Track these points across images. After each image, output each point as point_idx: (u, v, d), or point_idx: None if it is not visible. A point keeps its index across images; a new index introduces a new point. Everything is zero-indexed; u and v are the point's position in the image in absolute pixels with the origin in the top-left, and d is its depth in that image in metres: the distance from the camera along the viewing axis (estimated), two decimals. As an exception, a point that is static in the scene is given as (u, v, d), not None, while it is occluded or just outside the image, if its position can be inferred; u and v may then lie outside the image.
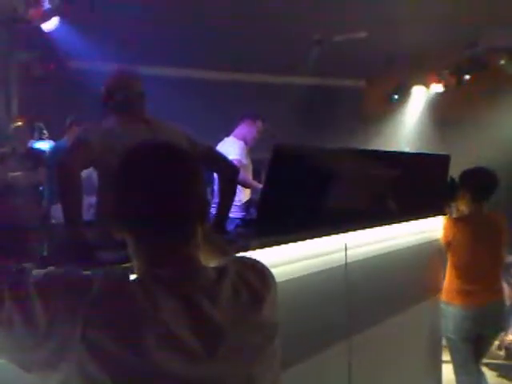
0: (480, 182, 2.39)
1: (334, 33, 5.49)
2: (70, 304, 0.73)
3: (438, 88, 5.96)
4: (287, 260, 1.58)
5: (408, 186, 2.12)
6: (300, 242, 1.62)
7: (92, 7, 3.81)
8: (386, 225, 2.00)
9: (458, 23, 4.75)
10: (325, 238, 1.73)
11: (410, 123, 6.46)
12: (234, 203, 3.32)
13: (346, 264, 1.80)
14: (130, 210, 0.82)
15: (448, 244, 2.40)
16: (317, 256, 1.70)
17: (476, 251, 2.35)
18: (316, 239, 1.68)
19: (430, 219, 2.34)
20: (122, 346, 0.72)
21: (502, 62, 5.11)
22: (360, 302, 1.86)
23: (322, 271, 1.70)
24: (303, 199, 1.82)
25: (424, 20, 4.81)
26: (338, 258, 1.78)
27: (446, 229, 2.40)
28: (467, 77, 5.51)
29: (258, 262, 0.94)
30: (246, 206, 3.37)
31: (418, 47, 5.31)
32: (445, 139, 5.85)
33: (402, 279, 2.11)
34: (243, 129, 3.64)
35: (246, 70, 6.19)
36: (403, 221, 2.12)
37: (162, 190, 0.81)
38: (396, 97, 6.42)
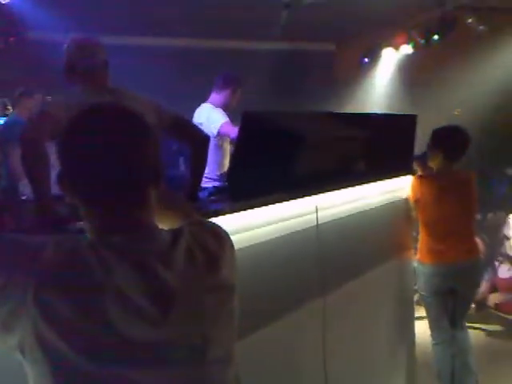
0: (452, 140, 2.43)
1: (302, -4, 5.42)
2: (22, 269, 0.73)
3: (407, 49, 5.97)
4: (259, 223, 1.60)
5: (377, 147, 2.15)
6: (271, 206, 1.64)
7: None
8: (355, 186, 2.04)
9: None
10: (296, 201, 1.75)
11: (380, 86, 6.49)
12: (208, 174, 3.33)
13: (317, 225, 1.84)
14: (77, 176, 0.81)
15: (416, 202, 2.47)
16: (288, 218, 1.73)
17: (444, 208, 2.42)
18: (287, 202, 1.70)
19: (399, 179, 2.39)
20: (75, 311, 0.71)
21: (470, 20, 5.12)
22: (332, 261, 1.91)
23: (294, 233, 1.74)
24: (273, 164, 1.82)
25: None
26: (309, 219, 1.82)
27: (413, 187, 2.45)
28: (436, 37, 5.51)
29: (215, 224, 0.94)
30: (222, 177, 3.35)
31: (387, 8, 5.29)
32: (415, 101, 5.90)
33: (371, 238, 2.17)
34: (217, 95, 3.46)
35: (215, 36, 6.08)
36: (372, 181, 2.16)
37: (108, 154, 0.79)
38: (366, 60, 6.41)
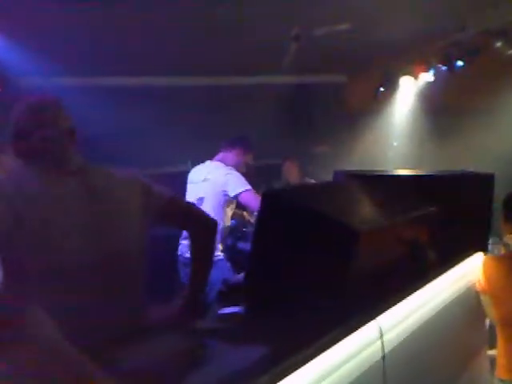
0: None
1: (314, 26, 5.00)
2: None
3: (427, 77, 5.51)
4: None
5: (447, 221, 1.63)
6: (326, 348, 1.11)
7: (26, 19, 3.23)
8: (424, 286, 1.51)
9: (443, 10, 4.34)
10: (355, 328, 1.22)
11: (399, 116, 6.02)
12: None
13: (383, 357, 1.30)
14: None
15: (484, 292, 1.90)
16: (348, 359, 1.19)
17: None
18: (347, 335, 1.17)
19: (469, 259, 1.85)
20: None
21: (498, 44, 4.66)
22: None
23: (357, 380, 1.20)
24: (308, 266, 1.31)
25: (405, 9, 4.39)
26: (373, 351, 1.28)
27: (484, 271, 1.89)
28: (460, 63, 5.05)
29: None
30: (225, 234, 3.03)
31: (401, 37, 4.88)
32: (439, 131, 5.44)
33: (441, 355, 1.61)
34: (236, 157, 3.24)
35: (219, 73, 5.66)
36: (443, 272, 1.63)
37: None
38: (382, 89, 5.96)
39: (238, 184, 3.07)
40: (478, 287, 1.91)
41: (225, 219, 3.14)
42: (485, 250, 1.82)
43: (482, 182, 1.80)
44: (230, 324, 1.40)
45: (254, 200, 3.02)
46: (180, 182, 3.26)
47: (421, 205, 1.59)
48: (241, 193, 3.04)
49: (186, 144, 4.71)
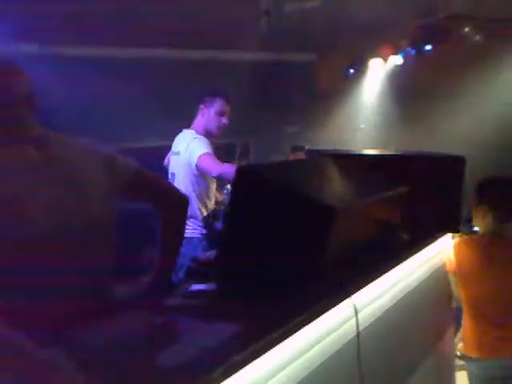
0: (505, 196, 1.91)
1: (285, 2, 4.92)
2: None
3: (396, 60, 5.53)
4: (284, 362, 1.04)
5: (419, 202, 1.63)
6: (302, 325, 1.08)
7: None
8: (397, 265, 1.50)
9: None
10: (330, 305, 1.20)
11: (368, 98, 6.04)
12: (192, 219, 2.72)
13: (358, 335, 1.28)
14: None
15: (454, 273, 1.93)
16: (324, 336, 1.17)
17: (497, 281, 1.86)
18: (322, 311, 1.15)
19: (440, 239, 1.87)
20: None
21: (467, 29, 4.72)
22: (375, 379, 1.37)
23: (331, 358, 1.18)
24: (282, 244, 1.27)
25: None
26: (347, 329, 1.27)
27: (455, 253, 1.91)
28: (428, 47, 5.09)
29: None
30: (207, 221, 2.75)
31: (372, 18, 4.86)
32: (407, 114, 5.50)
33: (412, 333, 1.63)
34: (201, 118, 2.81)
35: (187, 46, 5.50)
36: (415, 252, 1.63)
37: None
38: (352, 71, 5.95)
39: (194, 149, 2.65)
40: (448, 267, 1.93)
41: (202, 201, 2.75)
42: (457, 231, 1.84)
43: (453, 164, 1.80)
44: (199, 301, 1.36)
45: (210, 163, 2.61)
46: (156, 158, 3.09)
47: (393, 184, 1.58)
48: (198, 158, 2.63)
49: (157, 118, 4.59)
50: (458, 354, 2.16)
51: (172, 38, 5.08)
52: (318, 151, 1.94)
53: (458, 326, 2.09)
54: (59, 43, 4.62)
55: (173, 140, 2.95)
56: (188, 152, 2.71)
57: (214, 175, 2.70)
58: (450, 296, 1.99)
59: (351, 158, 1.85)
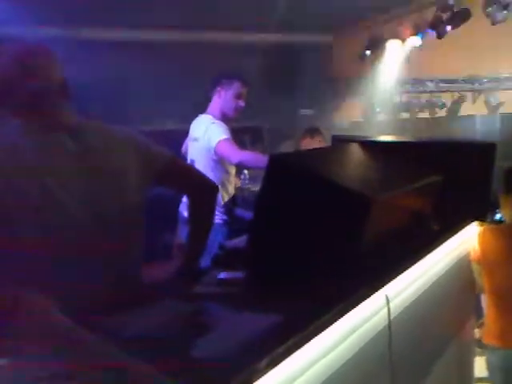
0: None
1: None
2: None
3: (415, 41, 5.41)
4: (322, 352, 1.05)
5: (450, 191, 1.61)
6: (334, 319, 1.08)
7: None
8: (427, 254, 1.50)
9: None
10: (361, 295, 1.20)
11: (384, 81, 5.94)
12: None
13: (389, 324, 1.29)
14: None
15: (478, 262, 1.91)
16: (358, 327, 1.17)
17: None
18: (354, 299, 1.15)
19: (466, 228, 1.85)
20: None
21: (489, 9, 4.58)
22: (405, 365, 1.38)
23: (365, 347, 1.18)
24: (315, 231, 1.27)
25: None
26: (380, 318, 1.27)
27: (479, 242, 1.90)
28: (449, 28, 4.96)
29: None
30: (228, 207, 2.73)
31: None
32: (425, 97, 5.41)
33: (438, 321, 1.63)
34: (218, 100, 2.75)
35: (201, 28, 5.44)
36: (444, 240, 1.62)
37: None
38: (368, 53, 5.84)
39: (213, 134, 2.60)
40: (472, 256, 1.92)
41: (222, 187, 2.68)
42: (484, 219, 1.82)
43: (484, 151, 1.77)
44: (231, 289, 1.37)
45: (230, 150, 2.56)
46: (170, 140, 3.07)
47: (425, 173, 1.56)
48: (216, 144, 2.59)
49: (168, 100, 4.55)
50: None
51: (187, 20, 5.03)
52: (344, 138, 1.92)
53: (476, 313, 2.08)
54: (75, 25, 4.59)
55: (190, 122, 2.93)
56: (206, 137, 2.68)
57: (234, 162, 2.67)
58: (473, 284, 1.98)
59: (380, 145, 1.82)
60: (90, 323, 1.10)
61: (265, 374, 0.87)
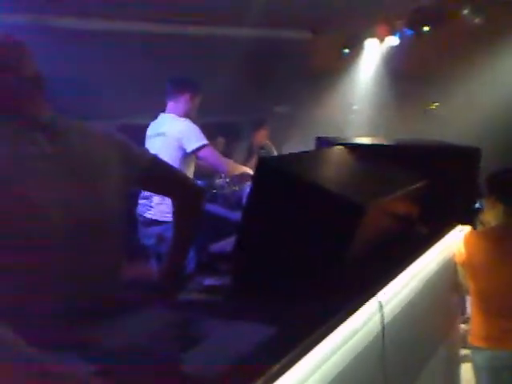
0: None
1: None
2: None
3: (392, 41, 5.45)
4: (314, 365, 1.01)
5: (436, 195, 1.60)
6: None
7: None
8: (417, 258, 1.48)
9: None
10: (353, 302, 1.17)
11: (362, 79, 5.97)
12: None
13: (383, 329, 1.26)
14: None
15: (463, 265, 1.92)
16: (351, 336, 1.14)
17: (505, 275, 1.85)
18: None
19: (453, 231, 1.85)
20: None
21: (465, 11, 4.65)
22: (397, 372, 1.36)
23: (359, 355, 1.15)
24: (304, 237, 1.24)
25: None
26: (373, 325, 1.24)
27: (465, 245, 1.90)
28: (426, 28, 5.02)
29: None
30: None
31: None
32: (401, 96, 5.46)
33: (427, 325, 1.62)
34: (185, 104, 2.97)
35: (179, 22, 5.33)
36: (432, 244, 1.61)
37: None
38: (346, 51, 5.86)
39: (194, 137, 2.85)
40: (457, 259, 1.93)
41: None
42: (470, 223, 1.82)
43: (469, 156, 1.78)
44: (216, 297, 1.32)
45: (213, 156, 2.87)
46: (140, 136, 3.05)
47: (411, 177, 1.55)
48: (199, 148, 2.83)
49: (142, 95, 4.43)
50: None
51: (164, 13, 4.92)
52: (328, 140, 1.89)
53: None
54: (48, 14, 4.42)
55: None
56: (179, 134, 2.83)
57: (221, 170, 2.96)
58: (459, 286, 1.99)
59: (365, 148, 1.80)
60: (70, 333, 1.04)
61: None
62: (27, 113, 1.19)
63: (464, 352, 2.09)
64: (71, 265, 1.17)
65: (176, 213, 1.43)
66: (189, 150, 2.82)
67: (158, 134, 2.91)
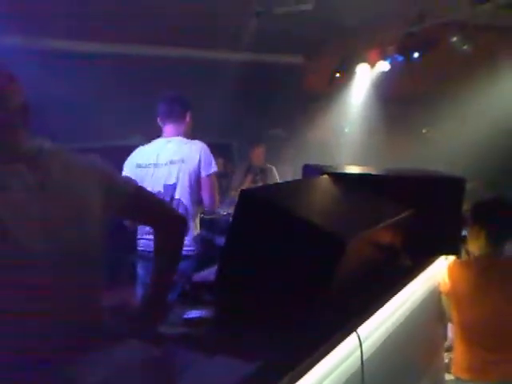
0: (498, 217, 1.90)
1: (274, 4, 4.86)
2: None
3: (383, 66, 5.54)
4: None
5: (418, 224, 1.60)
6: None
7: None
8: (400, 290, 1.48)
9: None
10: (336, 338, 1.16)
11: (353, 103, 6.05)
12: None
13: (362, 364, 1.25)
14: None
15: (447, 294, 1.92)
16: (330, 372, 1.13)
17: (488, 306, 1.84)
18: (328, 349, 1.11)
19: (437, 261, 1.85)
20: None
21: (454, 38, 4.73)
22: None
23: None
24: (286, 270, 1.23)
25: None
26: (352, 360, 1.23)
27: (449, 275, 1.90)
28: (416, 54, 5.10)
29: None
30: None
31: (360, 23, 4.84)
32: (391, 120, 5.53)
33: (410, 357, 1.61)
34: (188, 123, 2.77)
35: (174, 45, 5.39)
36: (416, 276, 1.61)
37: None
38: (338, 75, 5.94)
39: (211, 162, 2.66)
40: (442, 288, 1.92)
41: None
42: (456, 253, 1.82)
43: (453, 185, 1.79)
44: (198, 330, 1.31)
45: (215, 185, 2.69)
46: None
47: (395, 207, 1.55)
48: (211, 174, 2.65)
49: (136, 117, 4.45)
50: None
51: (160, 36, 4.98)
52: (315, 168, 1.90)
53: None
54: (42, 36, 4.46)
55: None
56: (199, 158, 2.64)
57: (210, 201, 2.70)
58: (443, 315, 1.98)
59: (351, 178, 1.81)
60: (50, 368, 1.03)
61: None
62: (11, 144, 1.19)
63: (447, 377, 2.07)
64: (52, 296, 1.16)
65: (158, 242, 1.42)
66: (204, 174, 2.64)
67: (172, 162, 2.67)
